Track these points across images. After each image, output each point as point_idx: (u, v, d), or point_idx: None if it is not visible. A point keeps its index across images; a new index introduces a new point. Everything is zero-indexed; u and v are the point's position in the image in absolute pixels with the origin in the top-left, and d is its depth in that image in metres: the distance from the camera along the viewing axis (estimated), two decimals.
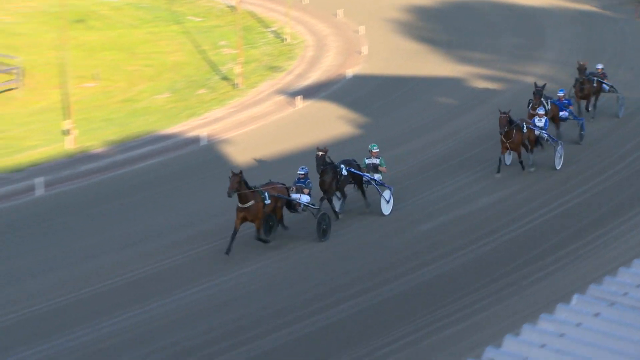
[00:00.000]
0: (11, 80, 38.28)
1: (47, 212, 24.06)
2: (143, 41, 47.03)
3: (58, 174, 27.05)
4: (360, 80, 38.62)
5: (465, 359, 8.05)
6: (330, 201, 22.13)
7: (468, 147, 28.51)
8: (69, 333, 17.20)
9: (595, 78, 30.47)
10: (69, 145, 29.94)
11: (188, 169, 27.59)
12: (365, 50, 43.43)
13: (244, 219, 20.14)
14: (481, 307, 18.06)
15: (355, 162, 22.94)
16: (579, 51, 42.76)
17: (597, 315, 8.71)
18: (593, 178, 25.86)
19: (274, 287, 19.08)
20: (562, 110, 28.02)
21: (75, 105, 31.66)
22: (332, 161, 22.16)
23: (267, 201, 20.35)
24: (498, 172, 25.07)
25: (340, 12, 51.90)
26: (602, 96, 31.40)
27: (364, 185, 22.92)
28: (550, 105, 27.57)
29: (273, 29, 49.66)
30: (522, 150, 25.28)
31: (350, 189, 23.09)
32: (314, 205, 21.34)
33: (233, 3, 48.13)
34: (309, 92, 36.51)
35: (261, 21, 51.16)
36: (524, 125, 25.00)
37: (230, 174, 19.98)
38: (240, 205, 20.04)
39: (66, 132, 30.28)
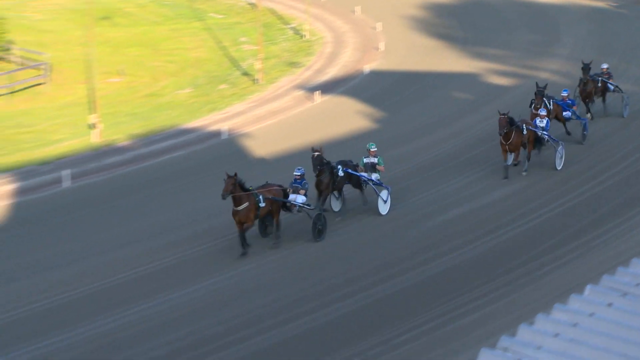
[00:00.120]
0: (39, 75, 38.47)
1: (73, 204, 24.18)
2: (166, 38, 47.13)
3: (84, 167, 27.18)
4: (377, 76, 38.53)
5: (480, 347, 7.99)
6: (324, 200, 21.48)
7: (480, 143, 28.16)
8: (76, 328, 17.12)
9: (599, 78, 29.79)
10: (95, 138, 30.07)
11: (209, 162, 27.62)
12: (382, 46, 43.32)
13: (240, 222, 19.62)
14: (495, 298, 17.97)
15: (352, 162, 22.29)
16: (593, 47, 42.46)
17: (610, 305, 8.65)
18: (609, 169, 25.66)
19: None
20: (565, 110, 27.40)
21: (100, 100, 31.78)
22: (328, 161, 21.57)
23: (262, 204, 19.76)
24: (506, 177, 24.39)
25: (358, 9, 51.79)
26: (608, 96, 30.62)
27: (362, 185, 22.32)
28: (553, 105, 26.96)
29: (292, 25, 49.62)
30: (522, 151, 24.75)
31: (348, 188, 22.47)
32: (309, 205, 20.74)
33: (253, 0, 48.11)
34: (327, 88, 36.46)
35: (281, 18, 51.14)
36: (524, 127, 24.39)
37: (225, 176, 19.38)
38: (234, 208, 19.51)
39: (92, 126, 30.41)
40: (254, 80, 38.39)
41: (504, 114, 23.85)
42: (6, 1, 50.99)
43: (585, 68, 29.26)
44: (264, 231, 20.70)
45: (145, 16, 52.28)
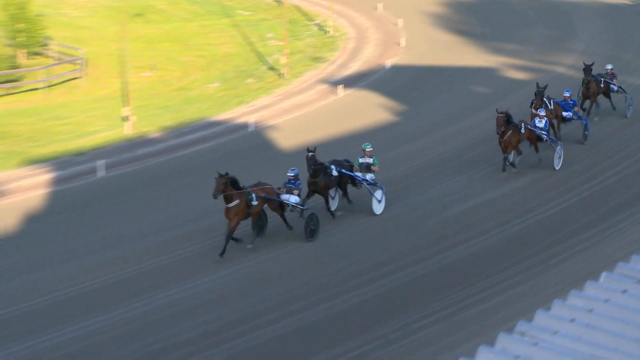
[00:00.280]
0: (75, 70, 38.67)
1: (107, 193, 24.27)
2: (196, 34, 47.21)
3: (118, 157, 27.29)
4: (398, 71, 38.38)
5: (499, 332, 7.92)
6: (326, 201, 20.95)
7: (495, 136, 27.89)
8: (110, 312, 17.18)
9: (602, 79, 28.81)
10: (128, 130, 30.18)
11: (237, 153, 27.65)
12: (403, 42, 43.12)
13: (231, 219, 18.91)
14: (512, 285, 17.83)
15: (348, 162, 21.50)
16: (608, 43, 42.06)
17: (624, 291, 8.56)
18: (621, 162, 25.40)
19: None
20: (566, 111, 26.63)
21: (133, 94, 31.89)
22: (322, 162, 20.76)
23: (254, 202, 19.03)
24: (505, 169, 23.86)
25: (380, 5, 51.61)
26: (612, 96, 29.55)
27: (356, 185, 21.51)
28: (554, 106, 26.20)
29: (317, 22, 49.53)
30: (516, 151, 24.04)
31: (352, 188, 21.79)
32: (302, 205, 20.02)
33: None
34: (350, 82, 36.36)
35: (306, 14, 51.05)
36: (522, 126, 23.69)
37: (217, 175, 18.69)
38: (226, 206, 18.82)
39: (125, 118, 30.53)
40: (279, 74, 38.35)
41: (501, 113, 23.28)
42: None
43: (587, 69, 28.31)
44: (259, 232, 19.85)
45: (177, 13, 52.39)
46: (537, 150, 24.44)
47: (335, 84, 35.85)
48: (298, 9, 51.70)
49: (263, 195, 19.36)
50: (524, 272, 18.40)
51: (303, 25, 48.78)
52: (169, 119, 31.86)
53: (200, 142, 28.99)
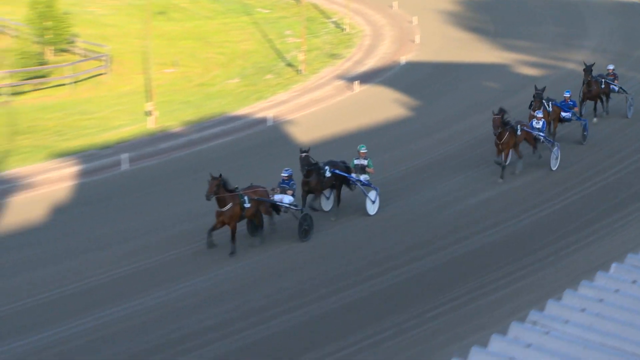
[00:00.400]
0: (101, 66, 38.81)
1: (131, 185, 24.37)
2: (217, 31, 47.25)
3: (141, 151, 27.37)
4: (412, 67, 38.25)
5: (511, 321, 7.88)
6: (318, 200, 20.36)
7: None
8: (130, 300, 17.28)
9: (602, 79, 28.21)
10: (151, 124, 30.27)
11: (255, 146, 27.68)
12: (417, 39, 42.97)
13: (222, 223, 18.50)
14: (523, 275, 17.74)
15: (344, 163, 20.95)
16: (619, 39, 41.73)
17: (634, 282, 8.50)
18: (629, 157, 25.19)
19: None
20: (565, 112, 25.97)
21: (156, 89, 31.96)
22: (316, 162, 20.24)
23: (247, 205, 18.56)
24: (501, 177, 23.09)
25: (395, 4, 51.44)
26: (613, 97, 29.09)
27: (350, 186, 20.92)
28: (552, 107, 25.61)
29: (334, 19, 49.43)
30: (516, 153, 23.50)
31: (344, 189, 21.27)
32: (296, 206, 19.55)
33: None
34: (366, 78, 36.28)
35: (323, 12, 50.96)
36: (519, 128, 23.06)
37: (210, 178, 18.22)
38: (218, 209, 18.39)
39: (148, 113, 30.61)
40: (297, 70, 38.32)
41: (497, 114, 22.71)
42: None
43: (588, 69, 27.68)
44: (254, 232, 19.44)
45: (198, 11, 52.45)
46: (535, 148, 23.87)
47: (351, 80, 35.78)
48: (315, 7, 51.61)
49: (256, 197, 18.86)
50: (536, 263, 18.31)
51: (320, 23, 48.69)
52: (191, 114, 31.91)
53: (220, 136, 29.03)
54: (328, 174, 20.30)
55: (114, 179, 24.87)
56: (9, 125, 30.78)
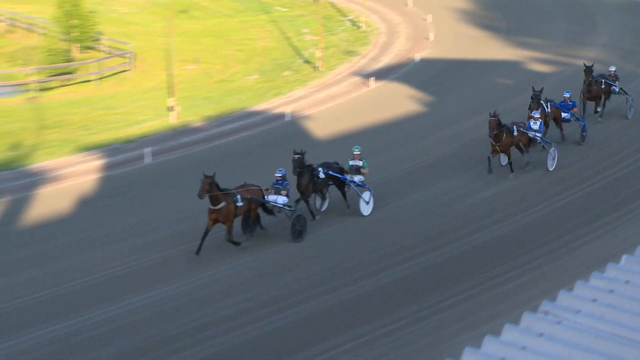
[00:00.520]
0: (125, 63, 38.94)
1: (154, 178, 24.43)
2: (237, 29, 47.27)
3: (163, 145, 27.43)
4: (427, 64, 38.09)
5: (523, 311, 7.83)
6: (307, 202, 19.83)
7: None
8: (153, 289, 17.33)
9: (603, 80, 27.57)
10: (173, 119, 30.32)
11: (273, 141, 27.66)
12: (432, 36, 42.78)
13: (215, 221, 18.07)
14: (535, 267, 17.63)
15: (338, 164, 20.47)
16: (629, 37, 41.36)
17: None
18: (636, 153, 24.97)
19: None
20: (564, 112, 25.38)
21: (178, 85, 32.01)
22: (310, 164, 19.84)
23: (239, 203, 18.16)
24: (490, 172, 22.57)
25: (410, 2, 51.25)
26: (613, 98, 28.46)
27: (345, 187, 20.51)
28: (551, 108, 25.03)
29: (350, 17, 49.30)
30: (515, 152, 23.06)
31: (333, 189, 20.79)
32: (290, 207, 19.06)
33: None
34: (381, 74, 36.17)
35: (340, 11, 50.84)
36: (515, 129, 22.46)
37: (202, 177, 17.85)
38: (211, 207, 17.95)
39: (170, 109, 30.66)
40: (314, 67, 38.26)
41: (493, 116, 22.09)
42: None
43: (588, 70, 27.12)
44: (248, 231, 19.02)
45: (219, 10, 52.49)
46: (523, 152, 23.20)
47: (367, 76, 35.67)
48: (332, 5, 51.51)
49: (249, 196, 18.47)
50: (547, 255, 18.19)
51: (337, 20, 48.57)
52: (211, 109, 31.95)
53: (239, 131, 29.04)
54: (322, 175, 19.90)
55: (137, 172, 24.93)
56: (37, 120, 30.95)
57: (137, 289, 16.97)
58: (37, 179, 24.12)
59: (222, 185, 18.31)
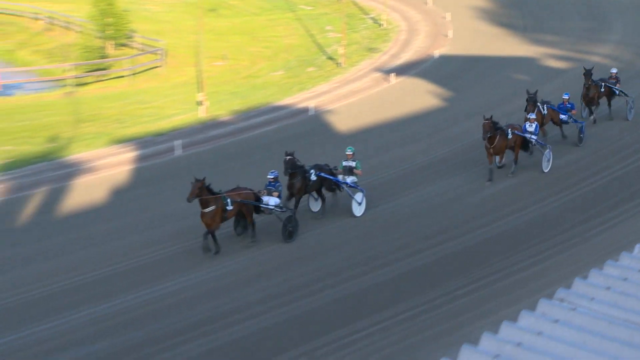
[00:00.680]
0: (156, 59, 39.10)
1: (183, 169, 24.49)
2: (263, 27, 47.26)
3: (193, 138, 27.52)
4: (445, 60, 37.85)
5: (539, 298, 7.75)
6: (297, 203, 19.17)
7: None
8: (177, 277, 17.38)
9: (602, 83, 26.80)
10: (202, 113, 30.41)
11: (298, 134, 27.64)
12: (450, 33, 42.51)
13: (206, 224, 17.60)
14: (551, 255, 17.43)
15: (329, 166, 19.89)
16: None
17: None
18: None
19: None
20: (562, 114, 24.66)
21: (207, 81, 32.09)
22: (302, 165, 19.26)
23: (229, 207, 17.66)
24: (490, 180, 21.78)
25: (429, 0, 50.94)
26: (614, 99, 27.68)
27: (339, 187, 19.92)
28: (548, 110, 24.31)
29: (372, 15, 49.11)
30: (510, 154, 22.43)
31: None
32: (281, 208, 18.51)
33: None
34: (402, 70, 36.01)
35: (362, 9, 50.67)
36: (509, 131, 21.64)
37: (193, 180, 17.36)
38: (202, 210, 17.47)
39: (199, 103, 30.75)
40: (337, 63, 38.17)
41: (487, 119, 21.29)
42: None
43: (587, 73, 26.29)
44: (239, 230, 18.65)
45: (246, 8, 52.51)
46: (516, 159, 22.34)
47: (388, 72, 35.54)
48: (355, 3, 51.35)
49: (239, 200, 17.92)
50: (562, 244, 18.02)
51: (359, 18, 48.42)
52: (238, 104, 31.99)
53: (265, 125, 29.05)
54: (314, 177, 19.37)
55: (168, 164, 25.04)
56: (73, 113, 31.19)
57: (147, 281, 17.02)
58: (73, 170, 24.30)
59: (225, 185, 18.06)
